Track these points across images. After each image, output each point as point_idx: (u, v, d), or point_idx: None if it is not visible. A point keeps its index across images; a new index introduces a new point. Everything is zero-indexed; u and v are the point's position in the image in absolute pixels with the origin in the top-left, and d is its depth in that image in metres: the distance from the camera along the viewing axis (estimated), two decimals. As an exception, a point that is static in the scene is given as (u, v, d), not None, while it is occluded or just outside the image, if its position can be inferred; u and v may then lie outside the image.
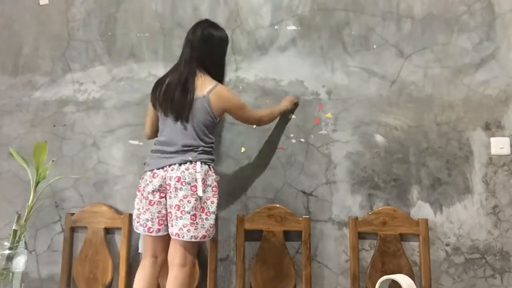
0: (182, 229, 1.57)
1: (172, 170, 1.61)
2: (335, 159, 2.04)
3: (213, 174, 1.67)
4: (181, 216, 1.57)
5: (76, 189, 2.21)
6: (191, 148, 1.64)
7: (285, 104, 2.00)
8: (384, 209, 1.94)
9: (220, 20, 2.18)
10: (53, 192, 2.21)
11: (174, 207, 1.59)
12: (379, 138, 2.02)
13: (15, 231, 1.07)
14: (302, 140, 2.07)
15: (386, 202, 1.98)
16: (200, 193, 1.58)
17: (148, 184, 1.65)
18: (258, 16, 2.16)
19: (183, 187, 1.58)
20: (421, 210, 1.95)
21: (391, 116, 2.02)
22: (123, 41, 2.27)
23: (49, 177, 1.23)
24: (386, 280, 1.28)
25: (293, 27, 2.13)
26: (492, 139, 1.93)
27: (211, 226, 1.62)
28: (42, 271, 2.19)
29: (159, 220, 1.64)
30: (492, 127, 1.94)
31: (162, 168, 1.63)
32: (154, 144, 1.75)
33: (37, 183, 1.14)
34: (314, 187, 2.04)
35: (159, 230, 1.65)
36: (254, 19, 2.16)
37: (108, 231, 2.13)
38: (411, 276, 1.84)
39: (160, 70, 2.20)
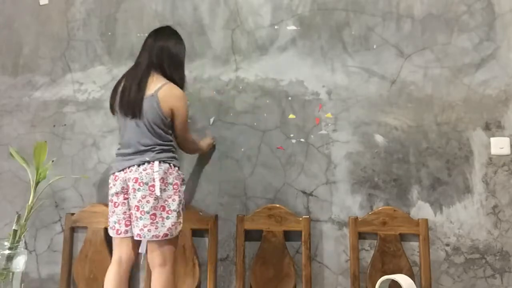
0: (142, 229, 1.59)
1: (131, 171, 1.62)
2: (335, 159, 2.04)
3: (175, 171, 1.66)
4: (141, 217, 1.59)
5: (76, 189, 2.21)
6: (148, 148, 1.64)
7: (205, 145, 2.00)
8: (384, 209, 1.94)
9: (220, 20, 2.18)
10: (53, 192, 2.21)
11: (134, 208, 1.61)
12: (379, 138, 2.02)
13: (15, 231, 1.07)
14: (302, 140, 2.07)
15: (386, 202, 1.98)
16: (157, 192, 1.58)
17: (111, 187, 1.68)
18: (258, 16, 2.16)
19: (141, 188, 1.59)
20: (421, 210, 1.95)
21: (391, 116, 2.02)
22: (123, 41, 2.27)
23: (49, 177, 1.23)
24: (386, 280, 1.28)
25: (293, 27, 2.13)
26: (492, 139, 1.93)
27: (173, 224, 1.61)
28: (42, 271, 2.19)
29: (125, 221, 1.66)
30: (492, 127, 1.94)
31: (123, 170, 1.65)
32: (117, 148, 1.78)
33: (37, 183, 1.14)
34: (314, 187, 2.04)
35: (126, 231, 1.66)
36: (254, 19, 2.16)
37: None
38: (411, 276, 1.84)
39: (160, 70, 2.20)
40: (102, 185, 2.18)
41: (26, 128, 2.30)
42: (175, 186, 1.64)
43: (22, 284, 1.07)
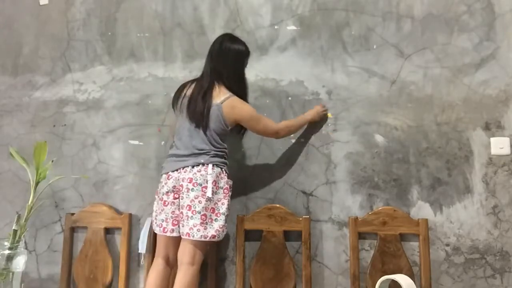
0: (192, 228, 1.62)
1: (185, 172, 1.67)
2: (335, 159, 2.04)
3: (225, 177, 1.72)
4: (192, 216, 1.62)
5: (76, 189, 2.21)
6: (203, 151, 1.69)
7: (311, 114, 1.99)
8: (384, 209, 1.94)
9: (220, 20, 2.18)
10: (53, 192, 2.21)
11: (186, 207, 1.64)
12: (379, 138, 2.02)
13: (15, 231, 1.07)
14: (302, 140, 2.07)
15: (386, 202, 1.98)
16: (209, 193, 1.62)
17: (163, 186, 1.72)
18: (258, 16, 2.16)
19: (195, 188, 1.63)
20: (421, 210, 1.95)
21: (391, 116, 2.02)
22: (123, 41, 2.27)
23: (49, 177, 1.23)
24: (386, 280, 1.28)
25: (293, 27, 2.12)
26: (492, 139, 1.93)
27: (221, 226, 1.65)
28: (42, 271, 2.19)
29: (173, 220, 1.69)
30: (492, 127, 1.94)
31: (176, 170, 1.70)
32: (170, 148, 1.82)
33: (37, 183, 1.14)
34: (314, 187, 2.04)
35: (173, 230, 1.69)
36: (254, 19, 2.16)
37: (108, 231, 2.13)
38: (411, 276, 1.84)
39: (160, 70, 2.20)
40: (102, 185, 2.18)
41: (26, 128, 2.30)
42: (225, 190, 1.69)
43: (22, 284, 1.07)
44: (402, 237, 1.93)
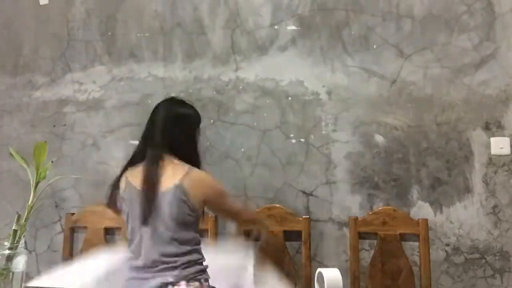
0: None
1: None
2: (335, 159, 2.04)
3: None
4: None
5: (76, 189, 2.21)
6: (170, 261, 1.23)
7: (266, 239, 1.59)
8: (384, 209, 1.94)
9: (220, 20, 2.18)
10: (53, 192, 2.21)
11: None
12: (379, 138, 2.02)
13: (15, 231, 1.07)
14: (302, 140, 2.07)
15: (386, 202, 1.98)
16: None
17: None
18: (258, 16, 2.16)
19: None
20: (421, 210, 1.95)
21: (391, 116, 2.02)
22: (123, 41, 2.27)
23: (49, 177, 1.23)
24: (320, 273, 1.25)
25: (293, 27, 2.12)
26: (492, 139, 1.93)
27: None
28: (42, 271, 2.19)
29: None
30: (492, 127, 1.94)
31: None
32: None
33: (37, 183, 1.14)
34: (314, 187, 2.04)
35: None
36: (254, 19, 2.16)
37: (108, 231, 2.13)
38: (411, 276, 1.85)
39: (160, 70, 2.20)
40: (102, 185, 2.18)
41: (26, 128, 2.30)
42: None
43: (22, 284, 1.07)
44: (402, 237, 1.93)
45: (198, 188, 1.29)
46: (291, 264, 1.95)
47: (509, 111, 1.94)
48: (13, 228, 1.08)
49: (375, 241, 1.94)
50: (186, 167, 1.32)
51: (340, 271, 1.17)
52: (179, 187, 1.26)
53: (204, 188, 1.32)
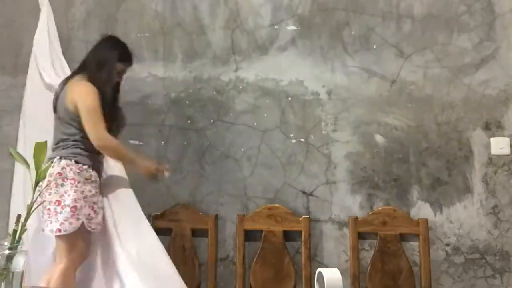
0: (43, 223, 1.59)
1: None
2: (335, 159, 2.04)
3: (76, 168, 1.60)
4: (42, 211, 1.59)
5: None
6: (57, 145, 1.67)
7: (144, 163, 1.76)
8: (384, 209, 1.94)
9: (220, 20, 2.18)
10: (53, 192, 2.20)
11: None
12: (379, 138, 2.02)
13: (15, 231, 1.07)
14: (302, 140, 2.07)
15: (386, 202, 1.98)
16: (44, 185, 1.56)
17: None
18: (258, 16, 2.16)
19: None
20: (421, 210, 1.95)
21: (391, 116, 2.02)
22: (123, 41, 2.26)
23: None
24: (320, 273, 1.26)
25: (293, 27, 2.12)
26: (492, 139, 1.93)
27: (65, 219, 1.54)
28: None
29: None
30: (492, 127, 1.94)
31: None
32: None
33: (37, 183, 1.14)
34: (314, 187, 2.04)
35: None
36: (254, 19, 2.16)
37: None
38: (411, 276, 1.85)
39: (160, 70, 2.20)
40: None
41: (26, 128, 2.29)
42: (72, 181, 1.59)
43: (22, 284, 1.07)
44: (402, 237, 1.93)
45: (70, 94, 1.65)
46: (291, 264, 1.95)
47: (509, 111, 1.94)
48: (13, 228, 1.08)
49: (375, 241, 1.94)
50: (80, 78, 1.70)
51: (340, 271, 1.17)
52: (63, 90, 1.69)
53: (73, 94, 1.65)
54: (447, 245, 1.92)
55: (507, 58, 1.95)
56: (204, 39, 2.18)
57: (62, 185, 1.58)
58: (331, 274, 1.19)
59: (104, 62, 1.74)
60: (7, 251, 1.04)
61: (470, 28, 2.00)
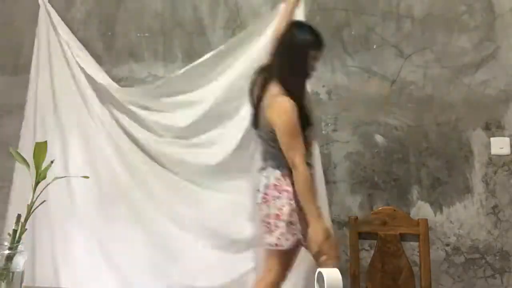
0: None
1: None
2: (335, 159, 2.04)
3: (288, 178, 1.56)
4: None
5: (76, 189, 2.20)
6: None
7: (321, 225, 1.53)
8: (384, 209, 1.94)
9: (220, 20, 2.18)
10: (53, 192, 2.20)
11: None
12: (379, 138, 2.02)
13: (15, 231, 1.07)
14: (302, 140, 2.06)
15: (386, 202, 1.98)
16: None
17: None
18: (258, 16, 2.16)
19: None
20: (421, 210, 1.95)
21: (391, 116, 2.02)
22: (123, 41, 2.27)
23: (49, 177, 1.23)
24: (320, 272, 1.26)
25: (293, 27, 2.12)
26: (492, 139, 1.93)
27: (282, 234, 1.52)
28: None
29: None
30: (492, 127, 1.94)
31: None
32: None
33: (37, 183, 1.14)
34: (314, 187, 2.03)
35: None
36: (254, 19, 2.16)
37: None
38: (411, 276, 1.85)
39: (160, 70, 2.20)
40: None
41: (26, 128, 2.29)
42: (284, 193, 1.56)
43: (22, 284, 1.07)
44: (402, 237, 1.93)
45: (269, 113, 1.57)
46: (291, 264, 1.94)
47: (509, 111, 1.94)
48: (13, 228, 1.08)
49: (375, 241, 1.94)
50: (275, 91, 1.57)
51: (340, 271, 1.17)
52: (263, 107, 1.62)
53: (271, 117, 1.55)
54: (447, 245, 1.92)
55: (507, 58, 1.95)
56: (204, 39, 2.18)
57: (278, 197, 1.53)
58: (331, 274, 1.19)
59: (298, 73, 1.59)
60: (7, 251, 1.04)
61: (470, 28, 2.00)
